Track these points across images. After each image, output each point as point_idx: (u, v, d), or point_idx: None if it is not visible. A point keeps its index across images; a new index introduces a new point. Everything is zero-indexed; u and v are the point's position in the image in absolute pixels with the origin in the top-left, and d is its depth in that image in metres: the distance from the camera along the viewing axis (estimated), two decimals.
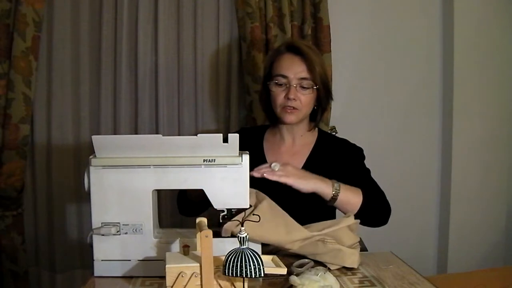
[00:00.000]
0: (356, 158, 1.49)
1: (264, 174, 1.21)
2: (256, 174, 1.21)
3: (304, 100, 1.40)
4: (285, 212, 1.17)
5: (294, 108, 1.40)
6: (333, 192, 1.27)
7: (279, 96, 1.41)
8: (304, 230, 1.13)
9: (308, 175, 1.28)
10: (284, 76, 1.39)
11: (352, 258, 1.13)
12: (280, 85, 1.41)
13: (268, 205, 1.15)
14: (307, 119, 1.48)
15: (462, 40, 2.09)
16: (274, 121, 1.49)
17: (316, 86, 1.39)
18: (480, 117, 2.14)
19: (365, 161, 1.51)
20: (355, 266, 1.13)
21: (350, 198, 1.31)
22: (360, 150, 1.51)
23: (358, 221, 1.19)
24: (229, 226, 1.09)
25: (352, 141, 1.53)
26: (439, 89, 2.19)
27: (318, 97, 1.43)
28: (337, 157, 1.46)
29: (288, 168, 1.26)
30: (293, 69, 1.39)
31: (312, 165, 1.45)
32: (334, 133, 2.00)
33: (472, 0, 2.09)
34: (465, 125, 2.13)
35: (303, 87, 1.39)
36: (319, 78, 1.39)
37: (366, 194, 1.34)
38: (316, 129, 1.54)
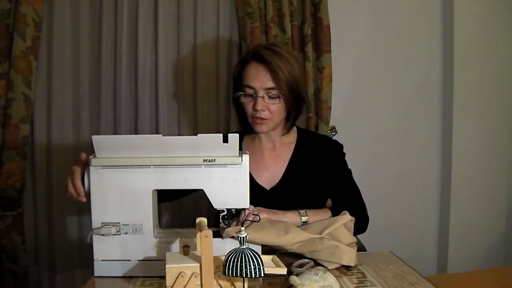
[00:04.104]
0: (338, 156, 1.46)
1: (249, 218, 1.16)
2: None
3: (274, 109, 1.36)
4: (284, 221, 1.19)
5: (264, 118, 1.36)
6: (302, 218, 1.24)
7: (248, 106, 1.37)
8: (304, 232, 1.14)
9: (276, 211, 1.24)
10: (251, 87, 1.35)
11: (349, 256, 1.13)
12: (248, 95, 1.37)
13: (267, 219, 1.17)
14: (283, 122, 1.44)
15: (462, 40, 2.09)
16: (250, 129, 1.45)
17: (282, 96, 1.35)
18: (480, 117, 2.14)
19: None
20: (353, 264, 1.13)
21: (319, 218, 1.26)
22: (341, 147, 1.48)
23: (353, 218, 1.20)
24: (230, 230, 1.09)
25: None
26: (439, 89, 2.18)
27: (288, 103, 1.38)
28: (319, 155, 1.44)
29: (261, 208, 1.23)
30: (259, 79, 1.34)
31: (296, 166, 1.44)
32: (334, 133, 2.00)
33: (472, 0, 2.09)
34: (465, 125, 2.13)
35: (270, 97, 1.35)
36: (286, 86, 1.33)
37: (341, 206, 1.29)
38: (295, 128, 1.50)
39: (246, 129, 1.48)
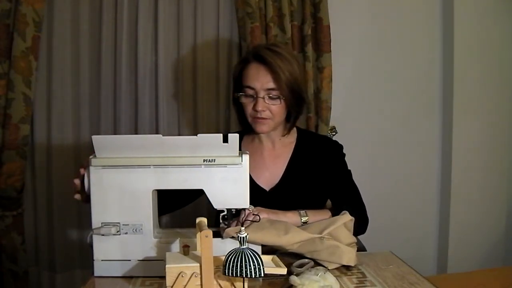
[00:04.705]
0: (338, 157, 1.46)
1: (249, 218, 1.15)
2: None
3: (274, 109, 1.35)
4: (284, 221, 1.19)
5: (264, 118, 1.36)
6: (302, 218, 1.24)
7: (249, 107, 1.37)
8: (304, 232, 1.14)
9: (276, 211, 1.24)
10: (251, 88, 1.35)
11: (349, 256, 1.13)
12: (249, 96, 1.37)
13: (267, 219, 1.17)
14: (284, 122, 1.44)
15: (462, 40, 2.09)
16: (249, 129, 1.44)
17: (283, 96, 1.34)
18: (480, 117, 2.14)
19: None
20: (352, 264, 1.13)
21: (319, 218, 1.25)
22: (340, 148, 1.48)
23: (353, 218, 1.20)
24: (230, 230, 1.09)
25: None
26: (439, 89, 2.18)
27: (289, 104, 1.37)
28: (319, 155, 1.44)
29: (261, 208, 1.23)
30: (260, 80, 1.33)
31: (295, 166, 1.44)
32: (334, 133, 2.00)
33: (472, 1, 2.09)
34: (465, 125, 2.13)
35: (271, 98, 1.35)
36: (287, 86, 1.33)
37: (341, 207, 1.28)
38: (295, 128, 1.49)
39: (246, 129, 1.48)
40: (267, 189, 1.42)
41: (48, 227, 1.98)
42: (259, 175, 1.43)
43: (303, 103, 1.44)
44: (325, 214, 1.28)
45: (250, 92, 1.36)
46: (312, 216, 1.25)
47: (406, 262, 1.19)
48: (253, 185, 1.39)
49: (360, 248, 1.42)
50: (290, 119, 1.43)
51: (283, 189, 1.41)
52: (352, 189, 1.43)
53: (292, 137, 1.48)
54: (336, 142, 1.50)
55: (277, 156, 1.46)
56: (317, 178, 1.42)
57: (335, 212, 1.26)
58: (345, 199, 1.39)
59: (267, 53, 1.34)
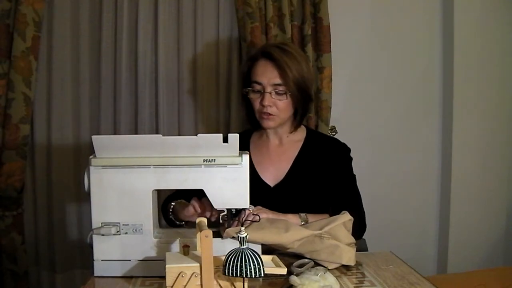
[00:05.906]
0: (344, 159, 1.47)
1: (249, 218, 1.15)
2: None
3: (281, 105, 1.39)
4: (284, 219, 1.19)
5: (271, 114, 1.39)
6: (302, 222, 1.24)
7: (256, 102, 1.41)
8: (304, 230, 1.14)
9: (277, 213, 1.24)
10: (259, 83, 1.39)
11: (349, 255, 1.13)
12: (256, 91, 1.40)
13: (267, 219, 1.18)
14: (291, 120, 1.46)
15: (462, 40, 2.09)
16: (257, 126, 1.48)
17: (289, 92, 1.37)
18: (480, 117, 2.14)
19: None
20: (352, 264, 1.13)
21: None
22: (348, 151, 1.49)
23: (352, 218, 1.20)
24: (230, 230, 1.09)
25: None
26: (439, 89, 2.18)
27: (295, 100, 1.40)
28: (325, 156, 1.45)
29: (261, 208, 1.24)
30: (267, 76, 1.38)
31: (301, 164, 1.45)
32: (334, 133, 2.00)
33: (472, 0, 2.09)
34: (465, 125, 2.13)
35: (278, 93, 1.38)
36: (293, 83, 1.36)
37: (340, 210, 1.27)
38: (304, 127, 1.52)
39: (255, 126, 1.50)
40: (272, 185, 1.43)
41: (48, 227, 1.98)
42: (264, 170, 1.45)
43: (310, 101, 1.47)
44: (325, 216, 1.28)
45: (258, 87, 1.39)
46: (312, 219, 1.26)
47: (406, 262, 1.19)
48: (258, 180, 1.42)
49: (363, 248, 1.42)
50: (296, 117, 1.45)
51: (287, 186, 1.42)
52: (354, 193, 1.43)
53: (300, 135, 1.50)
54: (344, 145, 1.51)
55: (283, 152, 1.47)
56: (321, 178, 1.43)
57: (334, 215, 1.26)
58: (345, 203, 1.39)
59: (275, 50, 1.38)
